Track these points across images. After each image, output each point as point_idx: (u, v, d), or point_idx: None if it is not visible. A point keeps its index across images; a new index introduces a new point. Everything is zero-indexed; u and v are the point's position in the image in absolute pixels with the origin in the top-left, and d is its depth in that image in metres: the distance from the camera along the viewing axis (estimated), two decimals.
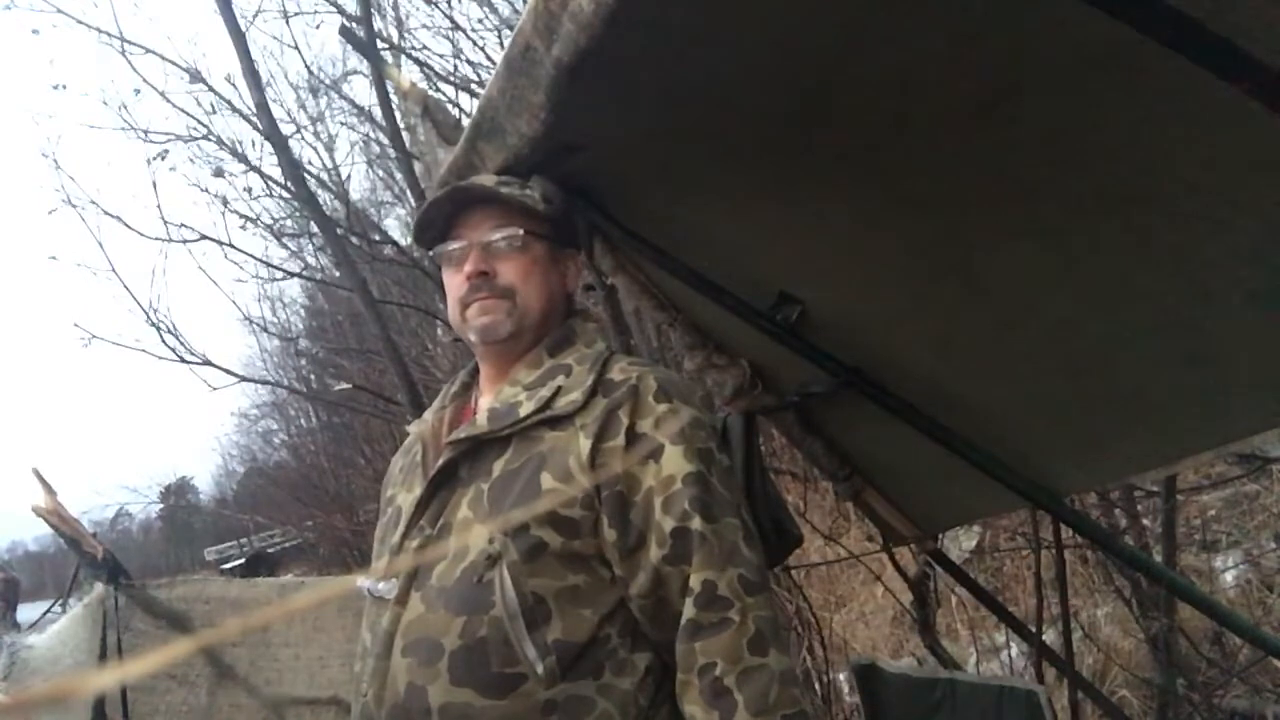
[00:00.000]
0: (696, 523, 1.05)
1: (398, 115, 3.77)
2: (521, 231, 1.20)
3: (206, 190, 6.08)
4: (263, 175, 5.89)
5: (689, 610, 1.03)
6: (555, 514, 1.06)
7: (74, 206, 5.22)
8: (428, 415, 1.28)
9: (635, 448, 1.08)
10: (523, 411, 1.13)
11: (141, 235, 5.11)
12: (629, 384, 1.13)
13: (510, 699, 1.02)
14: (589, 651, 1.05)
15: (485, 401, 1.23)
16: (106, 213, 5.21)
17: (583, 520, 1.07)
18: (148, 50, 5.26)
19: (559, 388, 1.14)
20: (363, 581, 1.15)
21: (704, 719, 1.00)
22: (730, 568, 1.05)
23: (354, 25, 4.40)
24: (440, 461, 1.14)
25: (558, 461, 1.08)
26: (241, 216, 6.08)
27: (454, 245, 1.22)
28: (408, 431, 1.33)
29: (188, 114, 5.60)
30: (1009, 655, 3.86)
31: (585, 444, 1.08)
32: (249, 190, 6.15)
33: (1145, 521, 3.47)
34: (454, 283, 1.23)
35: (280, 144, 4.18)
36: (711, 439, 1.15)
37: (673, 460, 1.07)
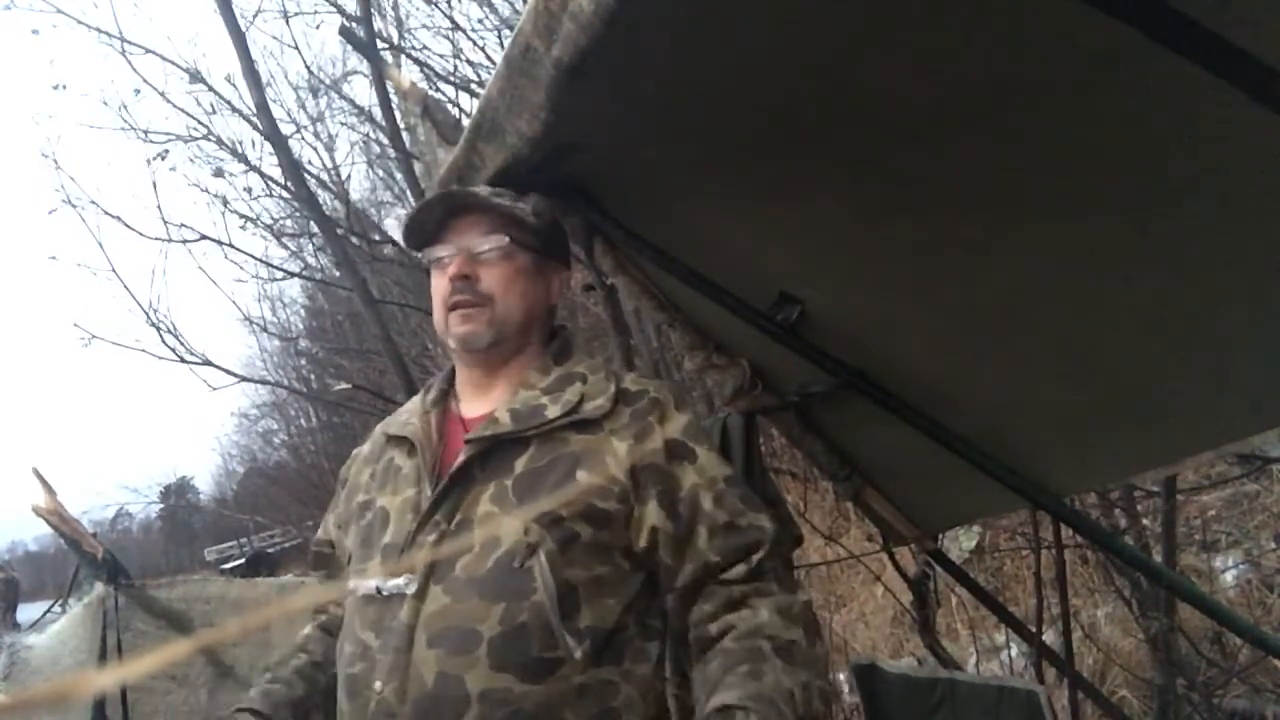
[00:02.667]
0: (749, 518, 1.16)
1: (398, 115, 3.77)
2: (508, 240, 1.23)
3: (206, 190, 6.09)
4: (263, 175, 5.89)
5: (741, 573, 1.13)
6: (591, 507, 1.12)
7: (74, 206, 5.22)
8: (413, 420, 1.28)
9: (672, 451, 1.16)
10: (550, 414, 1.17)
11: (141, 235, 5.10)
12: (649, 395, 1.21)
13: (547, 683, 1.05)
14: (614, 638, 1.11)
15: (473, 407, 1.26)
16: (106, 213, 5.20)
17: (615, 514, 1.13)
18: (148, 50, 5.27)
19: (583, 394, 1.20)
20: (358, 584, 1.15)
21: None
22: (781, 544, 1.19)
23: (354, 25, 4.39)
24: (461, 458, 1.17)
25: (593, 461, 1.14)
26: (241, 216, 6.09)
27: (442, 250, 1.25)
28: (384, 435, 1.32)
29: (188, 114, 5.60)
30: (1009, 655, 3.86)
31: (621, 445, 1.15)
32: (249, 190, 6.16)
33: (1145, 521, 3.47)
34: (439, 285, 1.26)
35: (280, 144, 4.17)
36: None
37: (712, 463, 1.18)
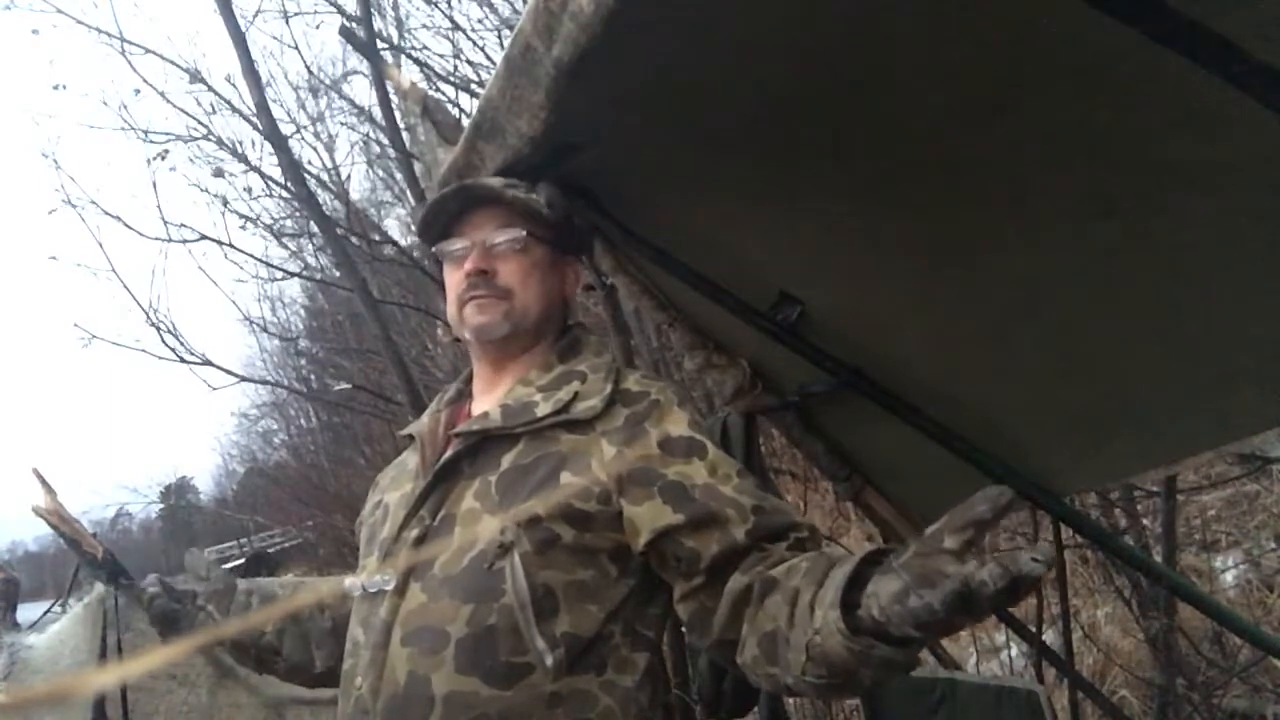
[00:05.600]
0: (772, 503, 1.09)
1: (398, 115, 3.76)
2: (524, 233, 1.21)
3: (206, 190, 6.08)
4: (263, 175, 5.88)
5: (790, 551, 1.04)
6: (571, 508, 1.07)
7: (74, 206, 5.20)
8: (424, 418, 1.29)
9: (675, 448, 1.10)
10: (539, 411, 1.14)
11: (141, 235, 5.10)
12: (650, 397, 1.15)
13: (515, 689, 1.02)
14: (594, 646, 1.06)
15: (481, 404, 1.25)
16: (106, 213, 5.19)
17: (597, 515, 1.08)
18: (148, 50, 5.26)
19: (576, 393, 1.16)
20: (351, 583, 1.15)
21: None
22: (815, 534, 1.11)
23: (354, 25, 4.39)
24: (449, 453, 1.15)
25: (579, 462, 1.10)
26: (241, 216, 6.08)
27: (457, 244, 1.24)
28: (410, 436, 1.31)
29: (188, 114, 5.59)
30: (1009, 655, 3.86)
31: (610, 449, 1.10)
32: (249, 190, 6.15)
33: (1145, 521, 3.47)
34: (454, 280, 1.24)
35: (280, 144, 4.16)
36: None
37: (722, 459, 1.12)
